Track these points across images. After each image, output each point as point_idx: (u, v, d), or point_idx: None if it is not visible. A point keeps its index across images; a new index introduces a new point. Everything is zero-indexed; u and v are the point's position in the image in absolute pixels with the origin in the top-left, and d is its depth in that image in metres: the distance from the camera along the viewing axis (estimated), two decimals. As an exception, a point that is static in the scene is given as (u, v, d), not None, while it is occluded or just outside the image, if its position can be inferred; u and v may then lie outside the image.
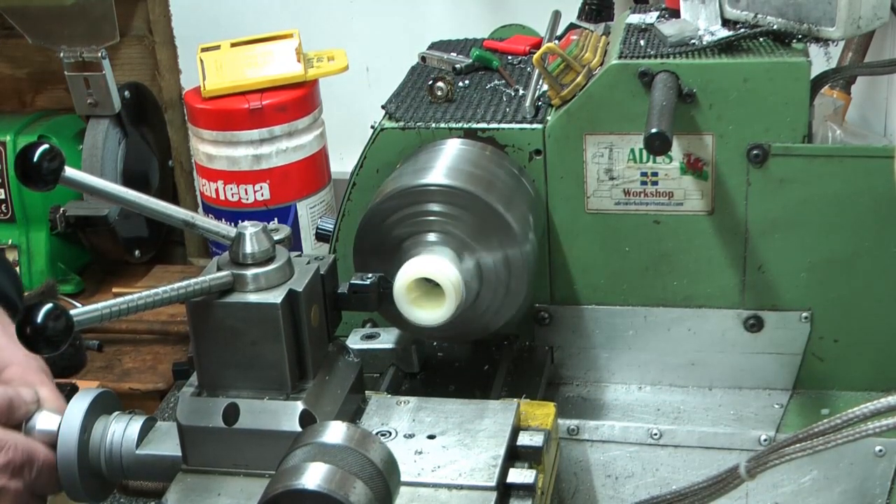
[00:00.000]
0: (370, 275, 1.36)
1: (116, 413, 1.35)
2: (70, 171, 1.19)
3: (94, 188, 1.24)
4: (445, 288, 1.41)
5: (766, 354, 1.64)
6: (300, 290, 1.24)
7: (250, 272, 1.23)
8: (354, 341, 1.63)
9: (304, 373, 1.27)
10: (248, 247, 1.24)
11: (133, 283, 2.76)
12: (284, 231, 1.32)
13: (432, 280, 1.42)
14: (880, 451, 1.54)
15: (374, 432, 1.33)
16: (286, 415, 1.24)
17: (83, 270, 2.84)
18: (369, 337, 1.64)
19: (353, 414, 1.36)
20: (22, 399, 1.32)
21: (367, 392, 1.44)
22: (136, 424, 1.34)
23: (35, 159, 1.16)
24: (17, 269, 2.69)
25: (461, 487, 1.25)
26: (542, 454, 1.33)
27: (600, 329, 1.68)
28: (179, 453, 1.30)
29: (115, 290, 2.70)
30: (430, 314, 1.42)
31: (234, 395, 1.26)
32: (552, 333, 1.70)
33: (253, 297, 1.23)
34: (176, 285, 1.18)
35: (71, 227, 2.66)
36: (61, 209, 2.65)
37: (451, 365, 1.66)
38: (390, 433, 1.34)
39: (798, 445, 1.19)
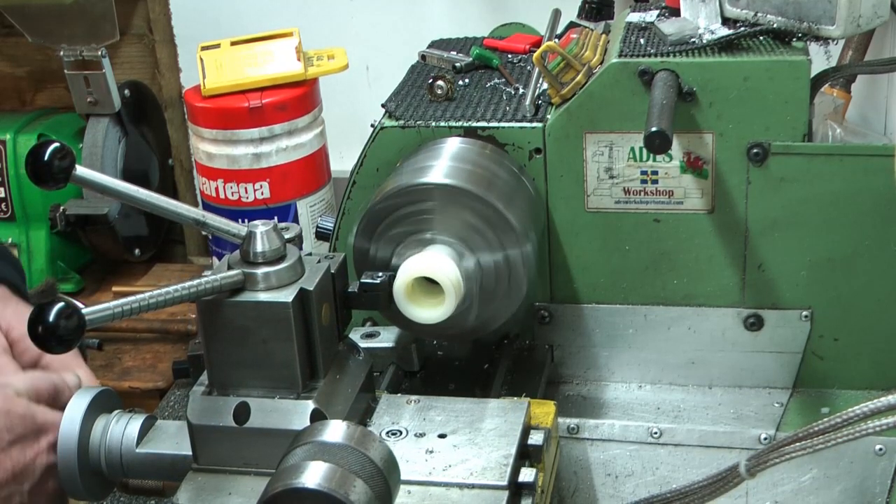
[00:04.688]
0: (380, 273, 1.36)
1: (116, 411, 1.35)
2: (81, 170, 1.19)
3: (104, 186, 1.24)
4: (445, 286, 1.41)
5: (766, 353, 1.65)
6: (311, 288, 1.24)
7: (261, 271, 1.23)
8: (354, 340, 1.63)
9: (314, 372, 1.27)
10: (259, 245, 1.23)
11: (133, 282, 2.74)
12: (295, 230, 1.31)
13: (432, 279, 1.42)
14: (880, 449, 1.55)
15: (384, 431, 1.34)
16: (297, 414, 1.24)
17: (83, 269, 2.83)
18: (369, 335, 1.64)
19: (363, 413, 1.36)
20: (66, 383, 1.36)
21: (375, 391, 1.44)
22: (136, 423, 1.34)
23: (46, 158, 1.16)
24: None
25: (472, 486, 1.25)
26: (542, 453, 1.33)
27: (600, 328, 1.69)
28: (179, 452, 1.30)
29: (115, 288, 2.68)
30: (429, 312, 1.43)
31: (245, 394, 1.26)
32: (552, 332, 1.70)
33: (264, 296, 1.22)
34: (186, 284, 1.18)
35: (71, 225, 2.64)
36: (61, 208, 2.64)
37: (451, 364, 1.67)
38: (401, 432, 1.34)
39: (798, 444, 1.20)
